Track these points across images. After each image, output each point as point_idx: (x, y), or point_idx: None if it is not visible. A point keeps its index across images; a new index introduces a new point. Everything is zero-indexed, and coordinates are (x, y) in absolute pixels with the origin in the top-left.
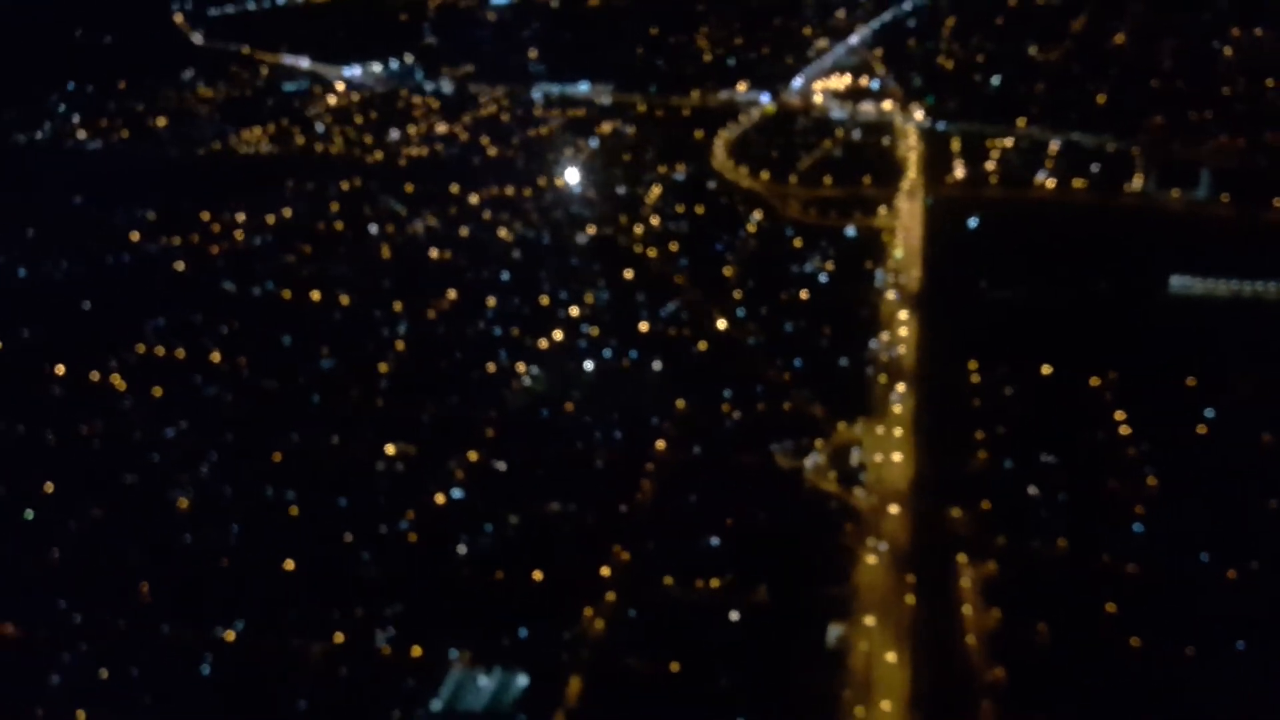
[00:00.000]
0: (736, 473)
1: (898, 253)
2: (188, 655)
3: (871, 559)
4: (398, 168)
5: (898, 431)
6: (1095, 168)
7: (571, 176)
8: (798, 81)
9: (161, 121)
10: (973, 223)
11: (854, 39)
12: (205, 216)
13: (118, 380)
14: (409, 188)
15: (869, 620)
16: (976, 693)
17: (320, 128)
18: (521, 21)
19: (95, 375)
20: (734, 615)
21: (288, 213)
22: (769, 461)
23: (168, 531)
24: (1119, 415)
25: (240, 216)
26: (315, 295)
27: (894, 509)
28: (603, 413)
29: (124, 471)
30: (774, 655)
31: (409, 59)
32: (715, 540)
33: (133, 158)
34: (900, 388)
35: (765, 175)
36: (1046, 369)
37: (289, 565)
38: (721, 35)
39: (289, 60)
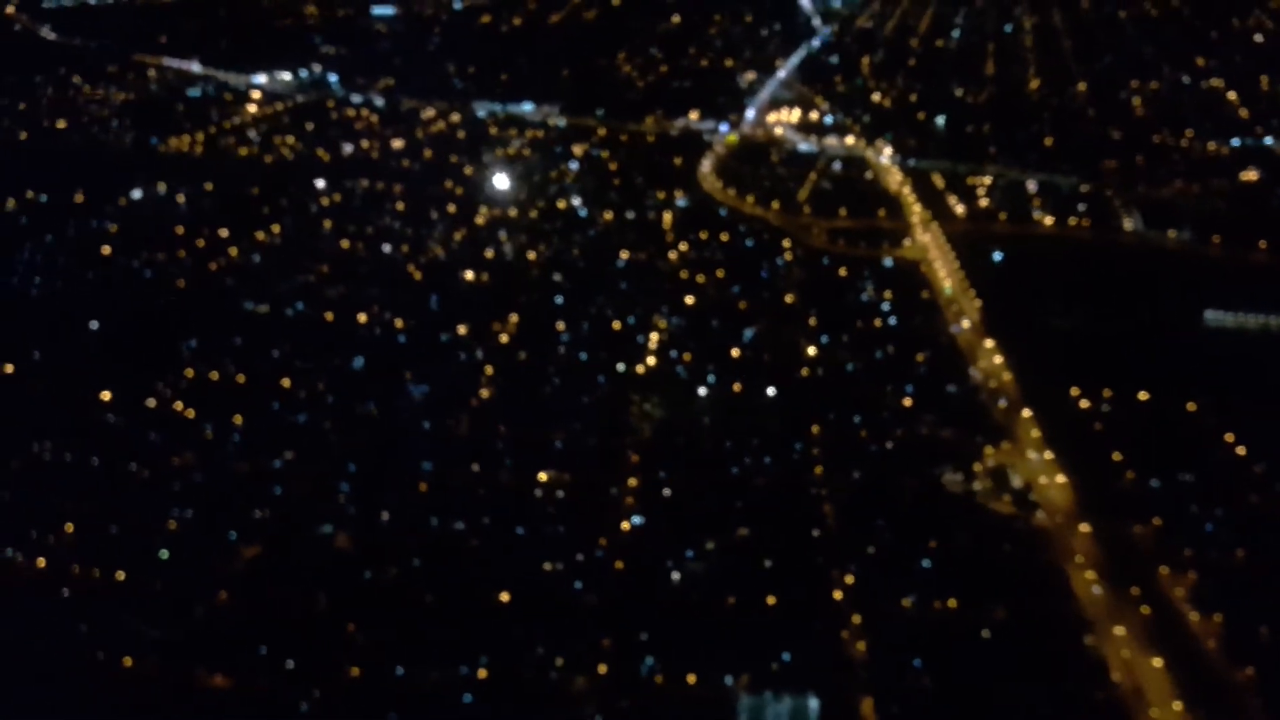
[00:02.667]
0: (908, 497)
1: (946, 284)
2: (444, 696)
3: (1089, 574)
4: (374, 184)
5: (1047, 455)
6: (1082, 207)
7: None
8: (751, 113)
9: (61, 124)
10: (997, 256)
11: (781, 73)
12: (180, 230)
13: (181, 407)
14: (400, 206)
15: (1119, 630)
16: (1237, 692)
17: (255, 137)
18: (419, 35)
19: (152, 402)
20: (985, 633)
21: (276, 228)
22: (934, 485)
23: (340, 568)
24: (1229, 437)
25: (224, 231)
26: (363, 317)
27: (1084, 527)
28: (741, 438)
29: (252, 507)
30: (1042, 669)
31: (318, 68)
32: (926, 562)
33: (48, 160)
34: (1026, 413)
35: (776, 205)
36: (1144, 394)
37: (504, 597)
38: (642, 62)
39: (176, 63)
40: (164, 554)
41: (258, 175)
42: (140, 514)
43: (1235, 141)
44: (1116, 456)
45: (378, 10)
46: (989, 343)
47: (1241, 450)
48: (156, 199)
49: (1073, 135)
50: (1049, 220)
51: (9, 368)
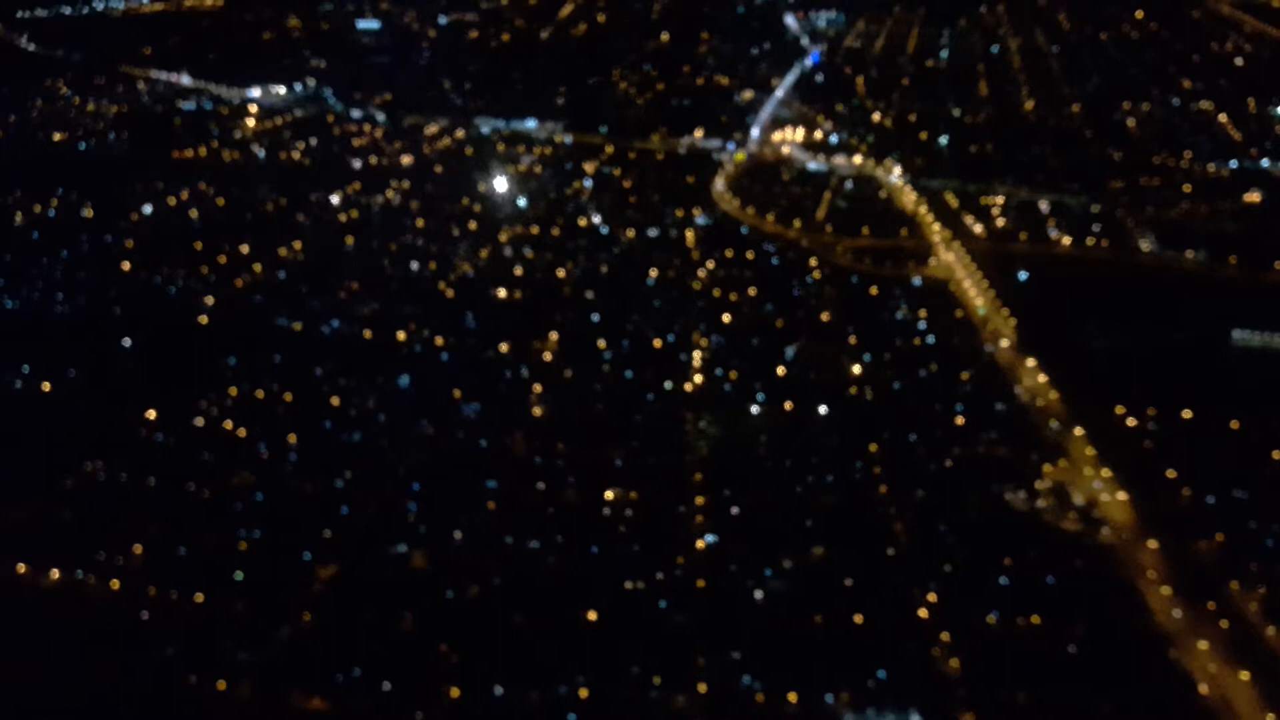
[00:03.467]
0: (975, 515)
1: (979, 303)
2: (548, 717)
3: (1164, 590)
4: (390, 200)
5: (1105, 473)
6: (1096, 227)
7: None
8: (755, 132)
9: (57, 136)
10: (1022, 276)
11: (779, 92)
12: (198, 246)
13: (231, 425)
14: (420, 222)
15: (1202, 645)
16: None
17: (260, 151)
18: (410, 50)
19: (200, 420)
20: (1071, 649)
21: (298, 244)
22: (999, 503)
23: (420, 588)
24: (1276, 454)
25: (244, 248)
26: (401, 335)
27: (1151, 544)
28: (799, 456)
29: (320, 527)
30: (1131, 684)
31: (312, 82)
32: (1003, 579)
33: (49, 173)
34: (1078, 431)
35: (797, 223)
36: (1187, 413)
37: (591, 616)
38: (639, 80)
39: (164, 75)
40: (238, 575)
41: (271, 190)
42: (207, 535)
43: (1233, 163)
44: (1170, 474)
45: (362, 24)
46: (1030, 361)
47: None
48: (169, 214)
49: (1074, 156)
50: (1067, 240)
51: (46, 385)
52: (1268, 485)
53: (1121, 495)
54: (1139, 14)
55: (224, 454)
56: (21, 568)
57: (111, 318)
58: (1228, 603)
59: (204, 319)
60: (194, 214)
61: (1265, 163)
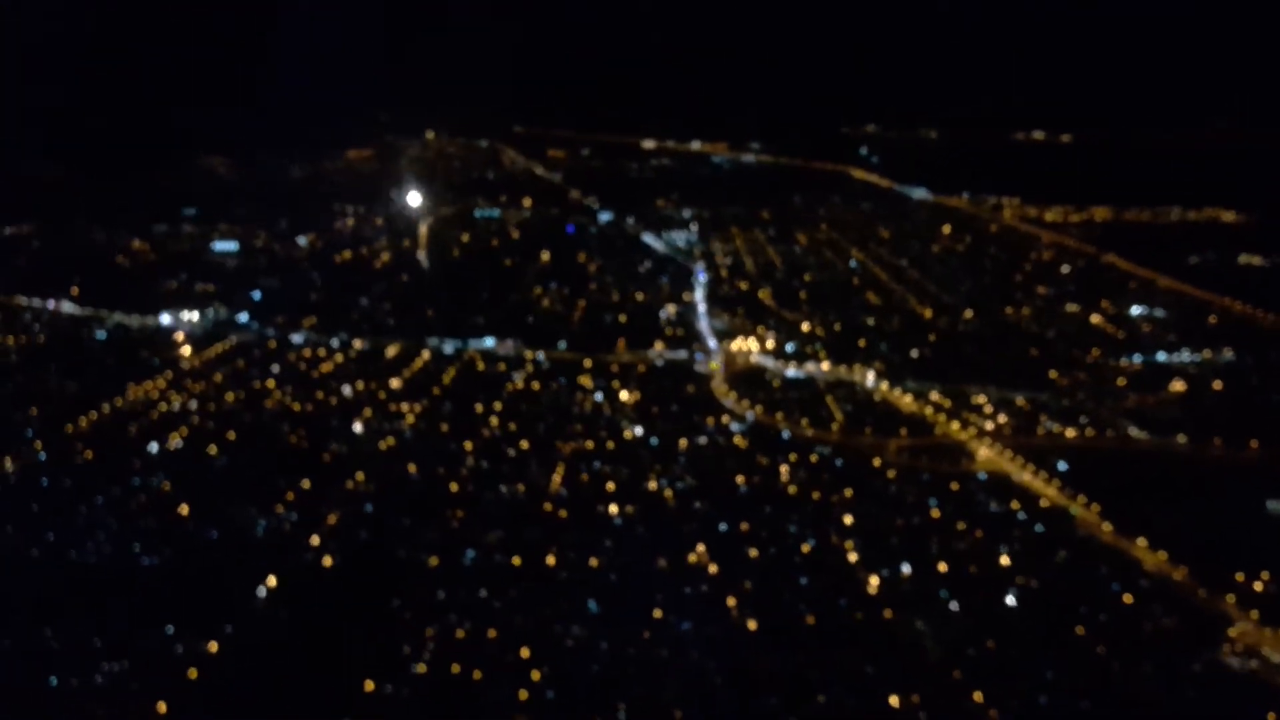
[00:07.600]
0: (1213, 678)
1: (1050, 492)
2: None
3: None
4: (418, 424)
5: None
6: (1084, 419)
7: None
8: (713, 343)
9: None
10: (1062, 466)
11: (702, 307)
12: (248, 486)
13: (460, 669)
14: (468, 445)
15: None
16: None
17: (226, 382)
18: (286, 271)
19: (421, 668)
20: None
21: (360, 475)
22: (1220, 668)
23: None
24: None
25: (305, 483)
26: (550, 559)
27: None
28: (1025, 646)
29: None
30: None
31: (222, 308)
32: None
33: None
34: (1230, 598)
35: (835, 427)
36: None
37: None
38: (561, 297)
39: (37, 303)
40: None
41: (284, 423)
42: None
43: (1137, 358)
44: None
45: (220, 246)
46: (1141, 541)
47: None
48: (183, 453)
49: (1001, 355)
50: (1071, 432)
51: (213, 645)
52: None
53: None
54: (946, 229)
55: (486, 695)
56: None
57: (216, 567)
58: None
59: (328, 560)
60: (213, 450)
61: (1161, 356)
